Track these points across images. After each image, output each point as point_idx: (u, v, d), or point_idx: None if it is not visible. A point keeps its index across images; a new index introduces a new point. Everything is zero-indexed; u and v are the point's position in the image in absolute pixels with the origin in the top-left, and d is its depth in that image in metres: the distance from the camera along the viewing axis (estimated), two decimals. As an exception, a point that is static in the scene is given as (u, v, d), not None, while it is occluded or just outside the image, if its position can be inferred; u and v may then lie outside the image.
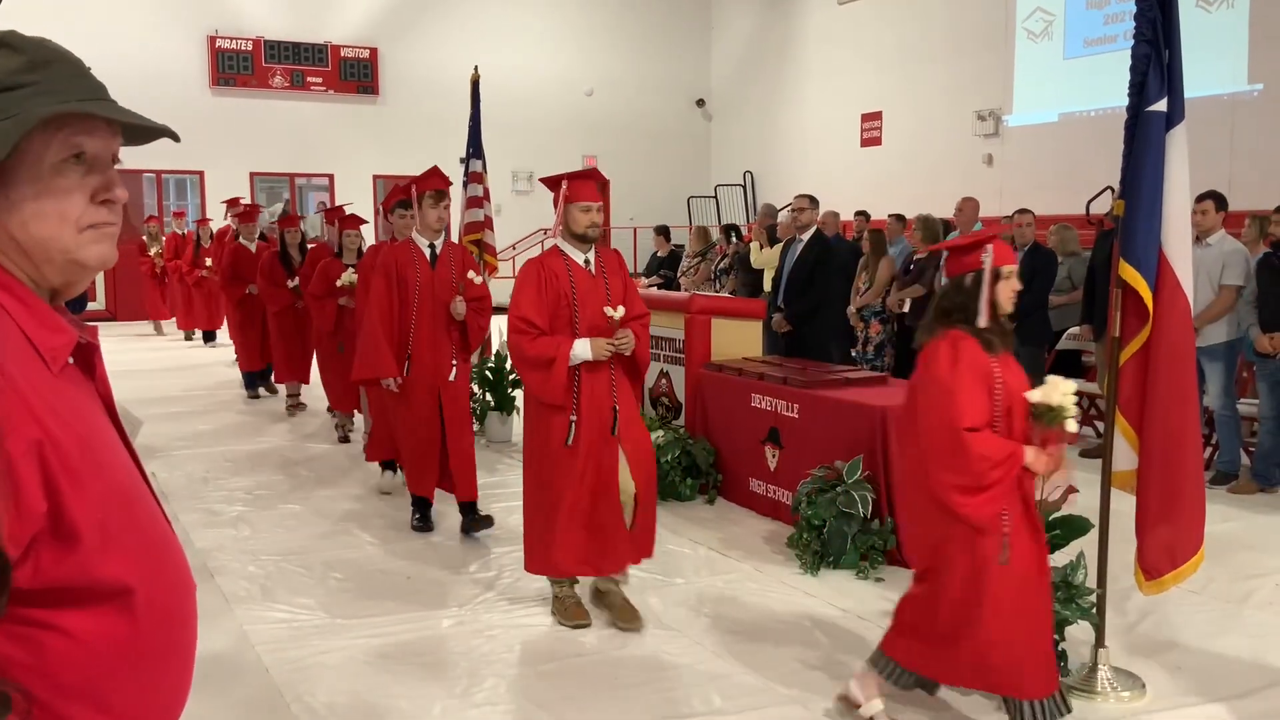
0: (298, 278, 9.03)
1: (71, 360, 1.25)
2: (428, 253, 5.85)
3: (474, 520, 5.88)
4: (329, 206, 12.16)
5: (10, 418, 1.11)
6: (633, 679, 4.06)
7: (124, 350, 14.01)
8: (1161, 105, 3.74)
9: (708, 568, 5.43)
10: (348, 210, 8.64)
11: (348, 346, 7.25)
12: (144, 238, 16.30)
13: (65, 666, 1.16)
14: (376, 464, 7.05)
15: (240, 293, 10.23)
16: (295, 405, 9.73)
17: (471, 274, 5.87)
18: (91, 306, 18.14)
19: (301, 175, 21.24)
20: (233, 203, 13.17)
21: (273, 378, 10.30)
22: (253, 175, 20.17)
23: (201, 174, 20.27)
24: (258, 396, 10.52)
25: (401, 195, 6.71)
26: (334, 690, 3.96)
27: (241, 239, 10.55)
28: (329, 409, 8.82)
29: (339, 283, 7.63)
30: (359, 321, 6.42)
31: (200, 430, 9.02)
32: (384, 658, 4.27)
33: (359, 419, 8.28)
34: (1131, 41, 3.81)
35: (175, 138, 1.31)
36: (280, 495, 6.86)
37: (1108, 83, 14.18)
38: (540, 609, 4.80)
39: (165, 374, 12.28)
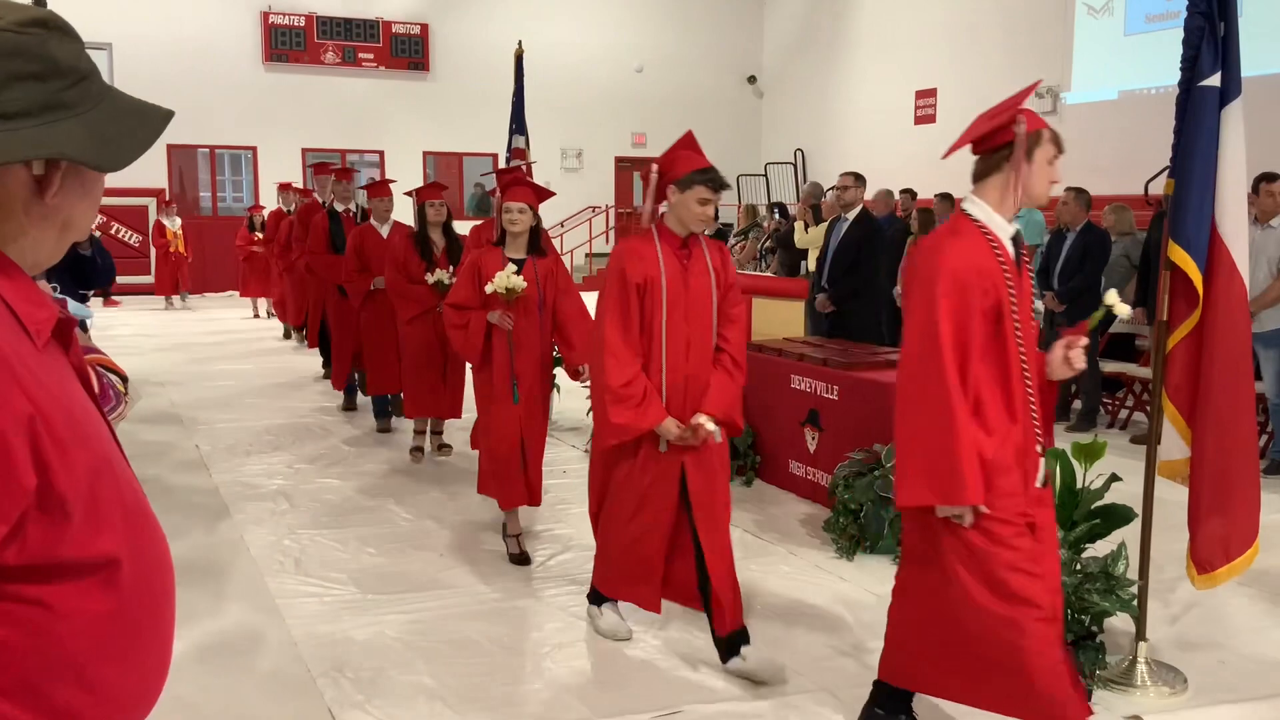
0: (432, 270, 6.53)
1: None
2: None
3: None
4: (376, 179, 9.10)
5: (1, 392, 1.09)
6: (662, 662, 4.02)
7: (178, 322, 14.20)
8: (1215, 80, 3.60)
9: (741, 550, 5.31)
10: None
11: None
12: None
13: (53, 643, 1.15)
14: (425, 447, 6.90)
15: (365, 287, 7.46)
16: (434, 447, 7.18)
17: None
18: (141, 280, 18.42)
19: (353, 151, 21.39)
20: (321, 168, 10.24)
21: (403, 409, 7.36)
22: (304, 151, 20.34)
23: (254, 149, 20.50)
24: (389, 429, 7.89)
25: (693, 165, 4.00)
26: (360, 666, 3.96)
27: (373, 220, 7.61)
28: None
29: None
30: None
31: (245, 403, 9.12)
32: (413, 635, 4.26)
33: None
34: (1195, 17, 3.67)
35: (167, 118, 1.29)
36: (320, 470, 6.90)
37: (1170, 60, 13.73)
38: (570, 589, 4.77)
39: (217, 346, 12.44)
